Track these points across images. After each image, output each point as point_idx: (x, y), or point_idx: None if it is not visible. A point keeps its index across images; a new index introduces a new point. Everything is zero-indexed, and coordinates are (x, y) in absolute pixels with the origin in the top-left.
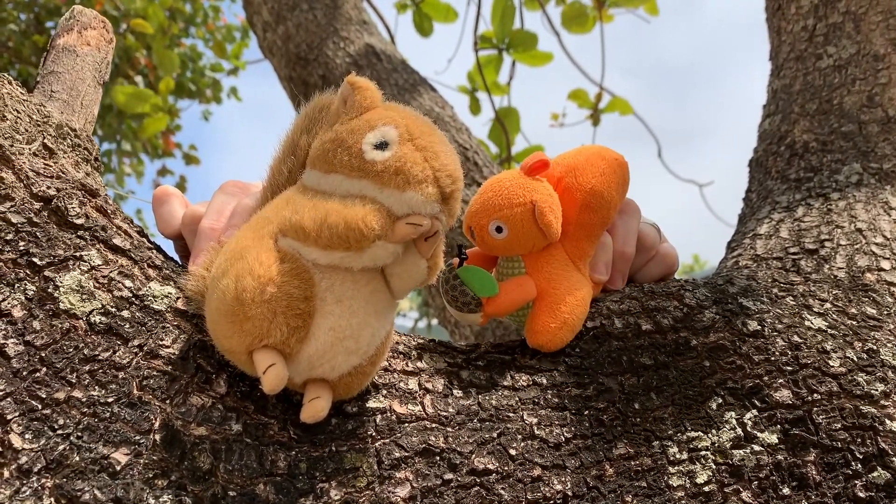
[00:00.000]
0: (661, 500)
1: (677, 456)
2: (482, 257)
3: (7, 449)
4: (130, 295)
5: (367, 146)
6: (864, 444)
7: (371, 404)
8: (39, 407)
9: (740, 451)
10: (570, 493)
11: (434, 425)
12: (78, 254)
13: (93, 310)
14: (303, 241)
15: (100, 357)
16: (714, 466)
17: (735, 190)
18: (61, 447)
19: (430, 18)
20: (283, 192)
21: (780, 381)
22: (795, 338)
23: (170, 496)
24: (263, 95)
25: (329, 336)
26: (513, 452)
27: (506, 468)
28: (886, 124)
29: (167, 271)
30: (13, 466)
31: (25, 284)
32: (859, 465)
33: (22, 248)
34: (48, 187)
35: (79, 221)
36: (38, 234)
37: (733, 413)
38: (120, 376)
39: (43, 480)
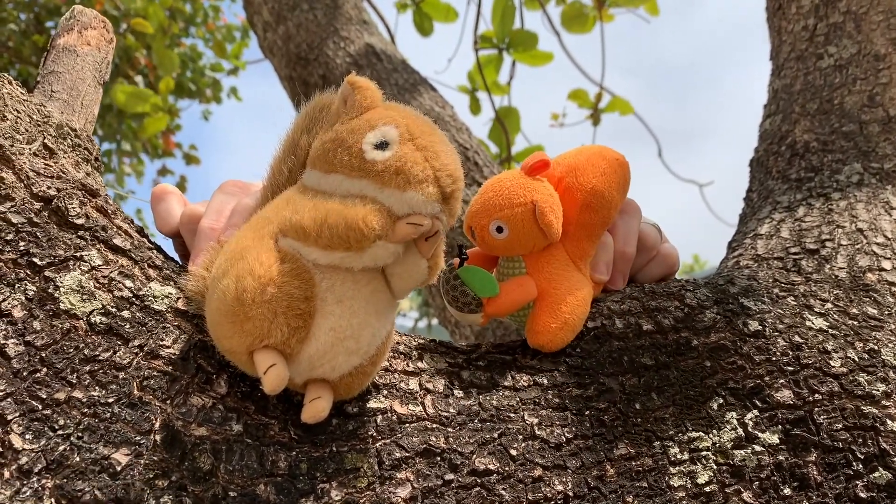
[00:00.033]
0: (662, 501)
1: (678, 456)
2: (483, 257)
3: (7, 449)
4: (131, 295)
5: (368, 146)
6: (865, 444)
7: (372, 404)
8: (40, 407)
9: (741, 452)
10: (571, 494)
11: (435, 425)
12: (78, 254)
13: (93, 310)
14: (303, 241)
15: (100, 357)
16: (715, 467)
17: (735, 190)
18: (62, 448)
19: (431, 18)
20: (284, 191)
21: (782, 381)
22: (796, 338)
23: (170, 497)
24: (263, 95)
25: (330, 336)
26: (514, 453)
27: (507, 468)
28: (887, 124)
29: (167, 271)
30: (13, 467)
31: (26, 285)
32: (860, 466)
33: (22, 248)
34: (48, 187)
35: (79, 221)
36: (38, 234)
37: (734, 413)
38: (120, 377)
39: (43, 481)
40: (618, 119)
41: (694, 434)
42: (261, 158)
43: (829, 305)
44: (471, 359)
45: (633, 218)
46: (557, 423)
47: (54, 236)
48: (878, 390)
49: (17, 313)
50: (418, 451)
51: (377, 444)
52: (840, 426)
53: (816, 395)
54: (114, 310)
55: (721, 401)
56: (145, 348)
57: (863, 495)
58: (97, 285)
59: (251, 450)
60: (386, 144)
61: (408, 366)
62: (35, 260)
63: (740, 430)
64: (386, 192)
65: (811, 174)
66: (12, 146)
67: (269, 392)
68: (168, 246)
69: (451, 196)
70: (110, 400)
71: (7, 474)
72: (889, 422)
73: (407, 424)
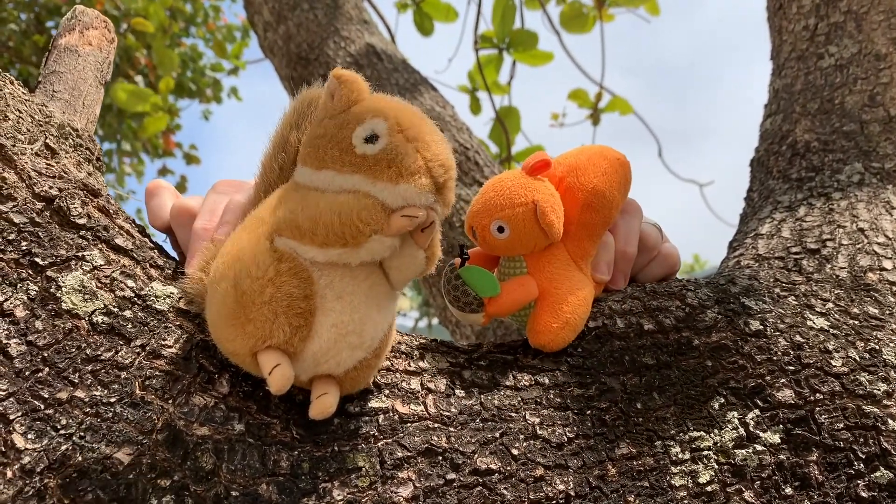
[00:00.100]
0: (663, 500)
1: (680, 456)
2: (484, 257)
3: (10, 449)
4: (133, 295)
5: (357, 140)
6: (866, 443)
7: (373, 404)
8: (42, 407)
9: (743, 451)
10: (572, 493)
11: (436, 425)
12: (80, 254)
13: (95, 310)
14: (299, 239)
15: (102, 357)
16: (716, 466)
17: (735, 190)
18: (64, 447)
19: (431, 18)
20: (276, 189)
21: (783, 380)
22: (798, 337)
23: (172, 496)
24: (263, 95)
25: (332, 333)
26: (515, 452)
27: (508, 468)
28: (888, 124)
29: (169, 271)
30: (16, 466)
31: (28, 284)
32: (862, 465)
33: (24, 248)
34: (50, 187)
35: (81, 221)
36: (40, 234)
37: (735, 413)
38: (122, 376)
39: (46, 480)
40: (618, 119)
41: (695, 433)
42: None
43: (830, 305)
44: (472, 358)
45: (634, 218)
46: (559, 422)
47: (56, 236)
48: (879, 390)
49: (20, 313)
50: (420, 451)
51: (379, 444)
52: (841, 426)
53: (818, 395)
54: (116, 309)
55: (722, 400)
56: (147, 348)
57: (864, 495)
58: (99, 285)
59: (253, 449)
60: (375, 137)
61: (409, 365)
62: (37, 260)
63: (741, 430)
64: (378, 186)
65: (812, 174)
66: (14, 146)
67: (275, 392)
68: (168, 246)
69: (443, 185)
70: (112, 399)
71: (10, 474)
72: (890, 421)
73: (409, 424)
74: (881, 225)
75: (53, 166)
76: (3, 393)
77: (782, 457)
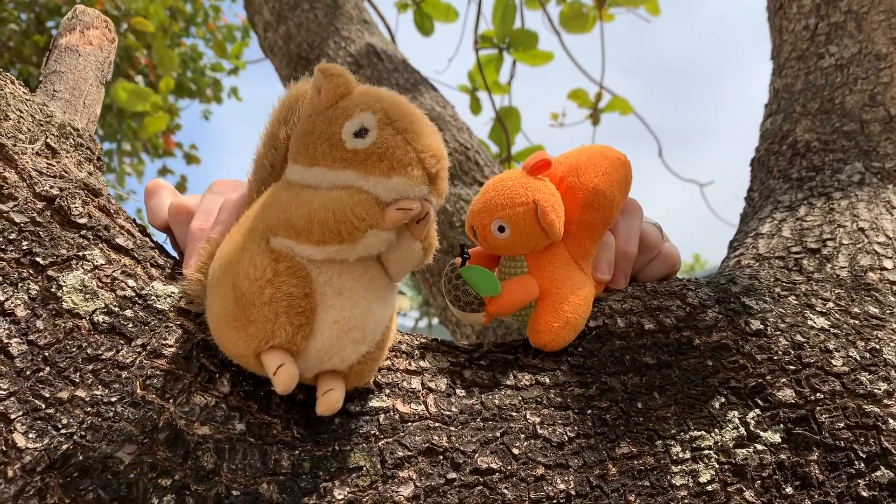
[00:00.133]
0: (664, 500)
1: (680, 455)
2: (485, 257)
3: (11, 448)
4: (133, 294)
5: (347, 135)
6: (867, 443)
7: (374, 403)
8: (43, 406)
9: (743, 451)
10: (573, 493)
11: (437, 424)
12: (81, 253)
13: (96, 309)
14: (295, 238)
15: (103, 356)
16: (717, 466)
17: (736, 189)
18: (65, 446)
19: (431, 18)
20: (269, 188)
21: (783, 380)
22: (798, 337)
23: (173, 495)
24: (263, 95)
25: (334, 329)
26: (516, 451)
27: (509, 467)
28: (888, 123)
29: (170, 271)
30: (17, 466)
31: (29, 284)
32: (862, 465)
33: (25, 247)
34: (51, 187)
35: (82, 221)
36: (41, 233)
37: (736, 412)
38: (123, 375)
39: (47, 479)
40: (618, 119)
41: (696, 433)
42: None
43: (830, 305)
44: (473, 358)
45: (635, 217)
46: (559, 422)
47: (57, 236)
48: (879, 389)
49: (20, 312)
50: (421, 450)
51: (380, 443)
52: (842, 425)
53: (818, 394)
54: (116, 309)
55: (723, 400)
56: (148, 347)
57: (864, 494)
58: (100, 284)
59: (254, 449)
60: (365, 131)
61: (410, 365)
62: (38, 259)
63: (742, 429)
64: (371, 180)
65: (812, 173)
66: (15, 146)
67: (281, 392)
68: (168, 245)
69: (436, 176)
70: (113, 399)
71: (11, 473)
72: (891, 420)
73: (409, 423)
74: (882, 224)
75: (54, 166)
76: (5, 392)
77: (783, 456)
